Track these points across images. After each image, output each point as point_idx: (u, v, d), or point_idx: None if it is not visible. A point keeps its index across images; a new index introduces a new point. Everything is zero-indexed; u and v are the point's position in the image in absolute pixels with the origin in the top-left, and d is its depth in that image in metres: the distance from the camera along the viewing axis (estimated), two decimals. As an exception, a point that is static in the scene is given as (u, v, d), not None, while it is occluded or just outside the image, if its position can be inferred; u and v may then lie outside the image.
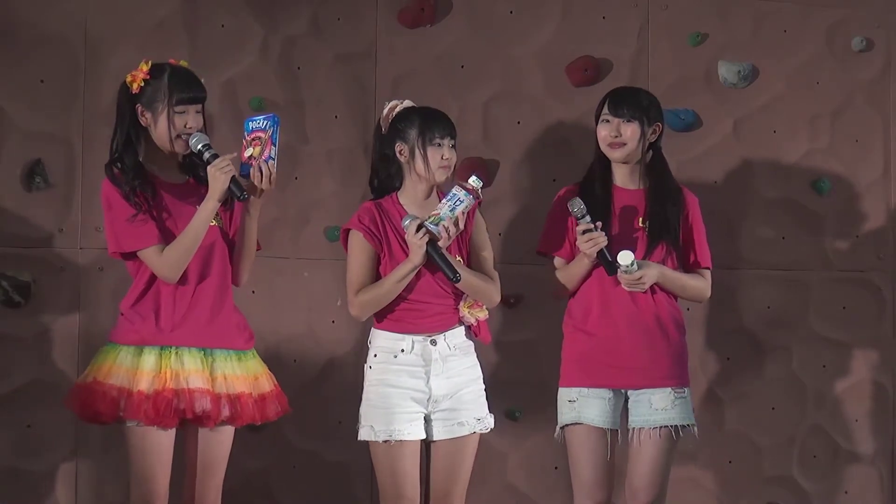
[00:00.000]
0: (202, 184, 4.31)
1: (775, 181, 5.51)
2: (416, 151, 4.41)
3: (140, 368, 4.16)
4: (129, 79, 4.27)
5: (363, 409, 4.41)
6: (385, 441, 4.33)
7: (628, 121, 4.57)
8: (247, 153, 4.25)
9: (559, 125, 5.28)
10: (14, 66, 4.76)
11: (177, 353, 4.18)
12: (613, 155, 4.59)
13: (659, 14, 5.40)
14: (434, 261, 4.32)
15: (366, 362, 4.45)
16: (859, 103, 5.62)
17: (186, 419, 4.18)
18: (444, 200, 4.37)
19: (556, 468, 5.20)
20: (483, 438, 4.53)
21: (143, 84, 4.25)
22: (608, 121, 4.58)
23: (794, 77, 5.55)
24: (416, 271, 4.35)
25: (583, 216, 4.46)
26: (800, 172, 5.54)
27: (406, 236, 4.33)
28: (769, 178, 5.50)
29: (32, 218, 4.77)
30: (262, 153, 4.25)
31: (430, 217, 4.34)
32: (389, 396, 4.35)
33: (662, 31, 5.40)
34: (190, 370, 4.17)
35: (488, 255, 4.52)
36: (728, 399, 5.43)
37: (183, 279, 4.22)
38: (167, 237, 4.21)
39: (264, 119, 4.27)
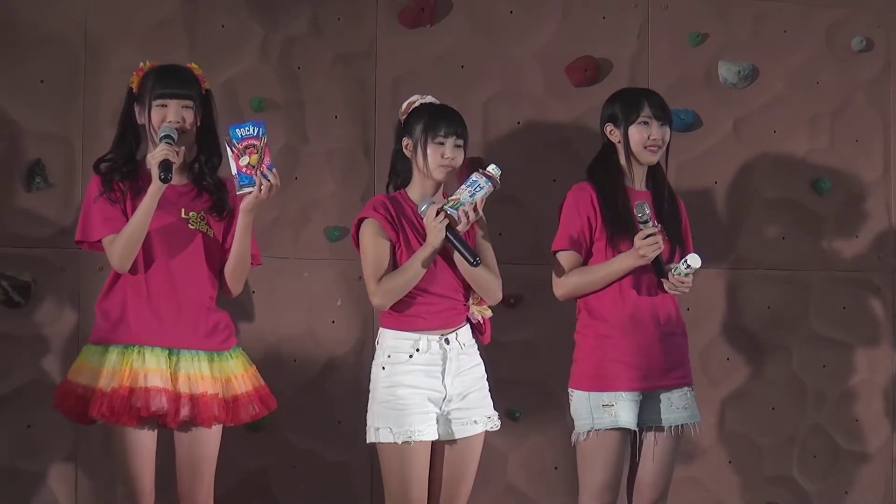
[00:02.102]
0: (200, 188, 4.31)
1: (775, 181, 5.51)
2: (419, 148, 4.42)
3: (103, 367, 4.17)
4: (131, 78, 4.31)
5: (375, 411, 4.35)
6: (404, 443, 4.28)
7: (664, 124, 4.60)
8: (242, 162, 4.16)
9: (559, 125, 5.29)
10: (14, 66, 4.76)
11: (139, 351, 4.18)
12: (649, 158, 4.58)
13: (659, 14, 5.40)
14: (452, 245, 4.32)
15: (375, 363, 4.40)
16: (859, 103, 5.62)
17: (155, 419, 4.17)
18: (463, 186, 4.38)
19: (555, 468, 5.20)
20: (483, 439, 4.52)
21: (139, 83, 4.27)
22: (647, 123, 4.58)
23: (794, 77, 5.55)
24: (435, 256, 4.34)
25: (647, 220, 4.46)
26: (800, 172, 5.54)
27: (425, 220, 4.33)
28: (769, 178, 5.51)
29: (32, 218, 4.77)
30: (260, 162, 4.19)
31: (449, 201, 4.35)
32: (406, 397, 4.31)
33: (662, 31, 5.41)
34: (149, 369, 4.16)
35: (491, 253, 4.52)
36: (728, 399, 5.43)
37: (153, 279, 4.21)
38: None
39: (253, 126, 4.19)
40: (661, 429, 4.56)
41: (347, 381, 4.92)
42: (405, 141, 4.46)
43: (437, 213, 4.30)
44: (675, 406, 4.56)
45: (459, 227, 4.33)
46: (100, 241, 4.24)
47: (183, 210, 4.27)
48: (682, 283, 4.51)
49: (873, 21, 5.64)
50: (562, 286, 4.59)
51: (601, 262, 4.55)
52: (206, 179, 4.31)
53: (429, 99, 4.52)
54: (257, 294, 4.91)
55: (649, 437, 4.56)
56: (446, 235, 4.30)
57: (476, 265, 4.31)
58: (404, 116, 4.50)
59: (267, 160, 4.19)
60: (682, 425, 4.57)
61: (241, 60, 4.98)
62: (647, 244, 4.46)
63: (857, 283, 5.60)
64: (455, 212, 4.32)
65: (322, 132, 5.06)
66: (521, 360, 5.16)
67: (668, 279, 4.51)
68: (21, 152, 4.77)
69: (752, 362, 5.48)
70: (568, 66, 5.30)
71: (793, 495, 5.51)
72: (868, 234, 5.62)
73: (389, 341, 4.37)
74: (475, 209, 4.35)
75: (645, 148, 4.58)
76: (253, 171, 4.18)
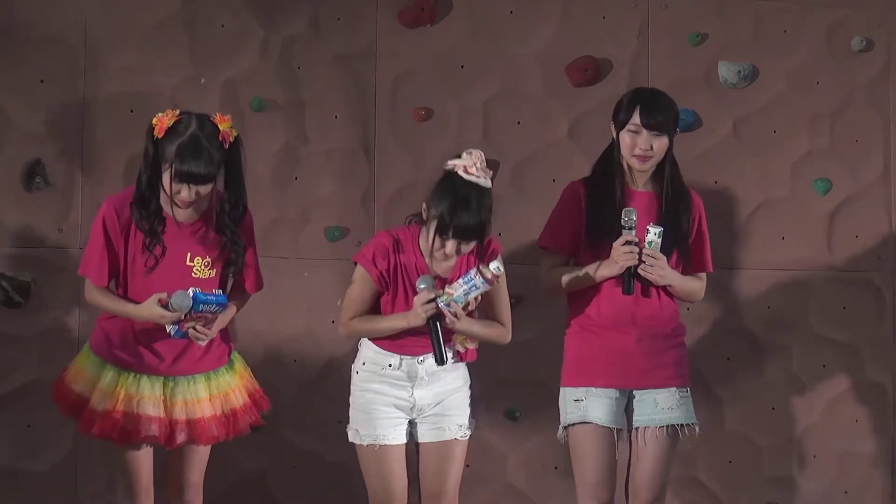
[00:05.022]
0: (217, 232, 4.26)
1: (775, 181, 5.51)
2: (430, 227, 4.29)
3: (98, 382, 4.18)
4: (154, 120, 4.17)
5: (351, 412, 4.45)
6: (369, 445, 4.36)
7: (658, 134, 4.50)
8: (187, 325, 4.16)
9: (559, 125, 5.28)
10: (14, 66, 4.76)
11: (135, 376, 4.20)
12: (638, 165, 4.52)
13: (659, 14, 5.40)
14: (430, 333, 4.30)
15: (353, 366, 4.47)
16: (859, 103, 5.62)
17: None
18: (461, 281, 4.32)
19: (555, 468, 5.20)
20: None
21: (162, 133, 4.14)
22: (636, 132, 4.48)
23: (794, 77, 5.54)
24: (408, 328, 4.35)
25: (631, 227, 4.43)
26: (800, 172, 5.54)
27: (415, 299, 4.30)
28: (769, 178, 5.50)
29: (32, 218, 4.77)
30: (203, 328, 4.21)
31: (444, 294, 4.30)
32: (373, 402, 4.39)
33: (662, 31, 5.40)
34: (143, 395, 4.18)
35: (504, 304, 4.50)
36: (728, 399, 5.43)
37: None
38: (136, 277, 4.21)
39: (216, 304, 4.17)
40: (646, 428, 4.54)
41: (347, 381, 4.89)
42: (426, 204, 4.32)
43: (429, 301, 4.26)
44: (661, 406, 4.53)
45: (448, 321, 4.30)
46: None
47: (189, 255, 4.24)
48: (654, 258, 4.45)
49: (873, 21, 5.63)
50: (543, 282, 4.61)
51: (584, 262, 4.53)
52: (227, 231, 4.26)
53: (472, 176, 4.28)
54: (257, 294, 4.90)
55: (639, 437, 4.56)
56: (428, 322, 4.28)
57: (440, 364, 4.32)
58: (445, 170, 4.34)
59: (205, 330, 4.21)
60: (671, 426, 4.54)
61: (241, 60, 4.98)
62: (623, 251, 4.43)
63: (857, 283, 5.60)
64: (446, 307, 4.29)
65: (322, 132, 5.06)
66: (521, 360, 5.16)
67: (638, 274, 4.47)
68: (21, 152, 4.76)
69: (752, 362, 5.47)
70: (568, 66, 5.30)
71: (793, 495, 5.51)
72: (868, 234, 5.61)
73: (367, 352, 4.44)
74: (466, 307, 4.32)
75: (633, 156, 4.53)
76: (190, 332, 4.17)
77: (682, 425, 4.55)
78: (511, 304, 5.07)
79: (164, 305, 4.12)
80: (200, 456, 4.30)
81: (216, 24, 4.96)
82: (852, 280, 5.60)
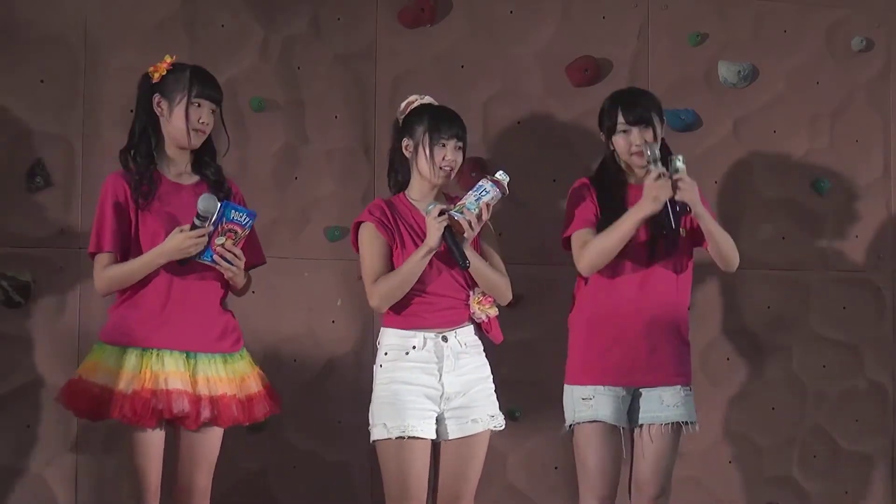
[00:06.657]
0: (209, 183, 4.31)
1: (775, 181, 5.51)
2: (420, 149, 4.42)
3: (122, 368, 4.16)
4: (151, 69, 4.29)
5: (374, 409, 4.38)
6: (398, 437, 4.29)
7: (646, 126, 4.54)
8: (217, 241, 4.16)
9: (559, 125, 5.29)
10: (14, 66, 4.76)
11: (158, 354, 4.19)
12: (640, 161, 4.55)
13: (659, 14, 5.41)
14: (448, 245, 4.32)
15: (375, 362, 4.43)
16: (859, 103, 5.62)
17: (171, 420, 4.18)
18: (471, 191, 4.38)
19: (556, 468, 5.20)
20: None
21: (164, 74, 4.26)
22: (627, 131, 4.55)
23: (794, 77, 5.55)
24: (431, 255, 4.33)
25: (655, 160, 4.44)
26: (800, 172, 5.54)
27: (427, 219, 4.33)
28: (769, 178, 5.51)
29: (32, 218, 4.77)
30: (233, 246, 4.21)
31: (455, 206, 4.35)
32: (401, 393, 4.33)
33: (662, 31, 5.41)
34: (169, 371, 4.17)
35: (496, 254, 4.54)
36: (728, 399, 5.43)
37: (168, 284, 4.21)
38: (146, 243, 4.21)
39: (248, 216, 4.18)
40: (651, 425, 4.57)
41: (347, 381, 4.92)
42: (405, 141, 4.48)
43: (440, 214, 4.31)
44: (666, 404, 4.56)
45: (466, 234, 4.32)
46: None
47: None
48: (685, 181, 4.43)
49: (873, 21, 5.64)
50: (583, 258, 4.54)
51: None
52: (209, 172, 4.32)
53: (427, 99, 4.54)
54: (257, 294, 4.91)
55: (644, 434, 4.58)
56: (443, 235, 4.30)
57: (465, 267, 4.35)
58: (403, 116, 4.51)
59: (238, 249, 4.22)
60: (677, 423, 4.57)
61: (241, 60, 4.98)
62: (659, 186, 4.42)
63: (857, 283, 5.60)
64: (459, 215, 4.32)
65: (322, 132, 5.06)
66: (521, 360, 5.16)
67: (674, 222, 4.47)
68: (21, 152, 4.77)
69: (753, 362, 5.48)
70: (568, 66, 5.30)
71: (793, 495, 5.51)
72: (868, 234, 5.62)
73: (388, 339, 4.40)
74: (480, 216, 4.34)
75: (631, 155, 4.57)
76: (218, 250, 4.17)
77: (685, 422, 4.58)
78: (511, 303, 5.08)
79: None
80: (209, 459, 4.29)
81: (216, 24, 4.96)
82: (852, 280, 5.60)
